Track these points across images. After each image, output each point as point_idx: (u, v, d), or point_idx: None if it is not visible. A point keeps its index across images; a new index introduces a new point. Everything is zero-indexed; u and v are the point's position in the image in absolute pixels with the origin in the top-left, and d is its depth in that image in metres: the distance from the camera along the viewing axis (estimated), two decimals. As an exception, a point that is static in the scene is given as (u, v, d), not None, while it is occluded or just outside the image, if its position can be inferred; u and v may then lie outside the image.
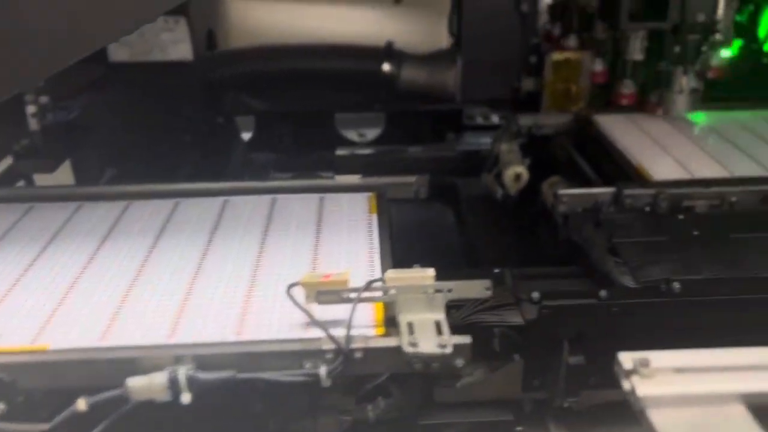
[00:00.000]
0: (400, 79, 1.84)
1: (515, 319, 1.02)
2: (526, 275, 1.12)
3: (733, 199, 1.28)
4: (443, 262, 1.02)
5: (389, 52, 1.84)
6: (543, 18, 1.86)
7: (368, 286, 0.86)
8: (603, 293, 1.04)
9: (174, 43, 1.63)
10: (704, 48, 1.60)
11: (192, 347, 0.84)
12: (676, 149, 1.48)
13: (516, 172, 1.47)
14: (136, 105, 1.63)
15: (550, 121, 1.64)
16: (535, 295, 1.04)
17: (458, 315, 0.99)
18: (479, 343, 0.91)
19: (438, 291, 0.87)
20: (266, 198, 1.21)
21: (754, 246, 1.16)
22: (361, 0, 2.05)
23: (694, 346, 0.92)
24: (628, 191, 1.28)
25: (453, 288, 0.88)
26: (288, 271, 0.99)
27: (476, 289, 0.88)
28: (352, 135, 2.12)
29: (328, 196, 1.22)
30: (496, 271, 1.09)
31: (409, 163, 1.99)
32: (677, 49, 1.59)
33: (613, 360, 0.91)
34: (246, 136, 2.15)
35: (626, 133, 1.57)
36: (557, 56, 1.69)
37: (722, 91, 1.78)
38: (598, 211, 1.26)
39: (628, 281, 1.07)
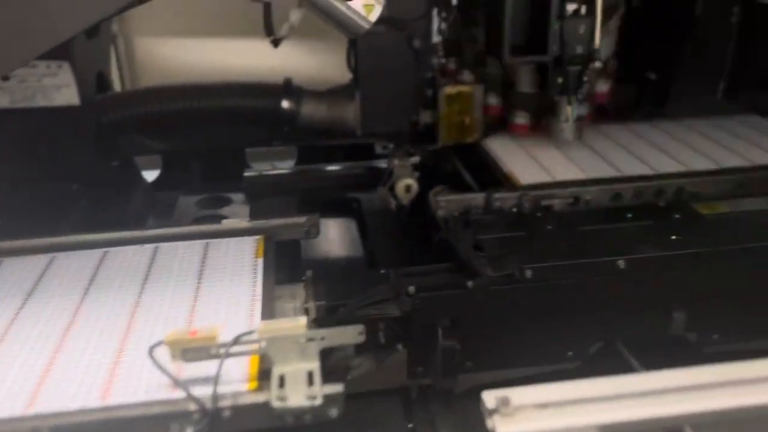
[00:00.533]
0: (301, 115, 1.84)
1: (394, 311, 1.18)
2: (407, 273, 1.25)
3: (588, 197, 1.46)
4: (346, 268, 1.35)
5: (288, 88, 1.83)
6: (440, 52, 1.92)
7: (237, 341, 0.84)
8: (469, 283, 1.21)
9: (58, 88, 1.58)
10: (586, 78, 1.67)
11: (51, 417, 0.80)
12: (545, 159, 1.63)
13: (406, 184, 1.60)
14: (18, 154, 1.57)
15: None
16: (411, 288, 1.20)
17: (345, 311, 1.15)
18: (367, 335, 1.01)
19: (311, 340, 0.86)
20: (149, 247, 1.17)
21: (599, 236, 1.37)
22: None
23: (547, 323, 1.25)
24: (496, 195, 1.44)
25: (326, 335, 0.87)
26: (163, 326, 0.96)
27: (349, 334, 0.88)
28: (264, 168, 2.13)
29: (214, 242, 1.19)
30: (382, 271, 1.26)
31: (318, 181, 2.10)
32: (560, 80, 1.65)
33: (484, 342, 1.23)
34: (154, 174, 2.11)
35: (503, 146, 1.72)
36: (450, 90, 1.73)
37: (609, 116, 1.89)
38: (468, 213, 1.43)
39: (488, 271, 1.22)
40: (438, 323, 1.22)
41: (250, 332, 0.85)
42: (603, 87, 1.81)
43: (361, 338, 0.89)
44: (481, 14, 1.69)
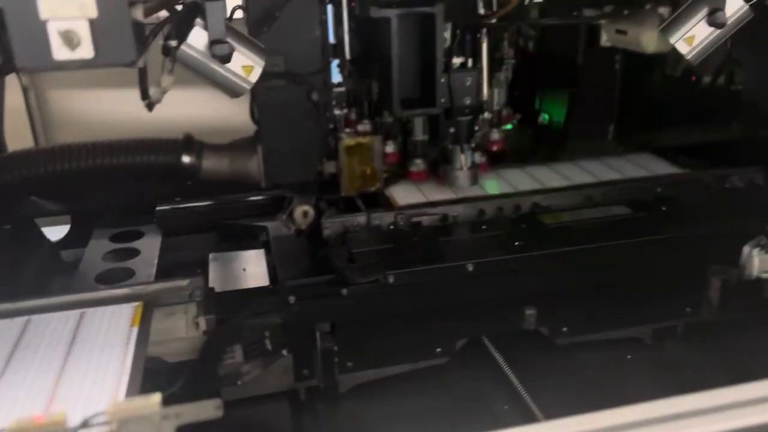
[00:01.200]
0: (203, 169, 1.83)
1: (275, 319, 1.38)
2: (290, 286, 1.45)
3: (455, 214, 1.65)
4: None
5: (188, 143, 1.83)
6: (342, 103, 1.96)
7: (85, 424, 0.82)
8: (344, 291, 1.42)
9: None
10: (476, 127, 1.73)
11: None
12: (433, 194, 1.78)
13: (303, 210, 1.70)
14: None
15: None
16: (291, 298, 1.40)
17: (233, 322, 1.34)
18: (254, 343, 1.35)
19: (165, 418, 0.85)
20: (19, 321, 1.14)
21: (455, 246, 1.60)
22: (185, 83, 2.03)
23: (416, 323, 1.48)
24: (374, 215, 1.63)
25: (181, 412, 0.86)
26: (21, 407, 0.93)
27: (207, 409, 0.87)
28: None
29: (90, 311, 1.17)
30: (270, 286, 1.50)
31: (231, 212, 2.13)
32: (452, 130, 1.71)
33: (362, 344, 1.46)
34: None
35: (402, 190, 1.82)
36: (348, 141, 1.76)
37: (508, 161, 1.96)
38: (347, 232, 1.61)
39: (357, 279, 1.43)
40: (317, 328, 1.43)
41: (100, 414, 0.84)
42: (496, 135, 1.88)
43: (219, 413, 0.88)
44: (373, 67, 1.73)
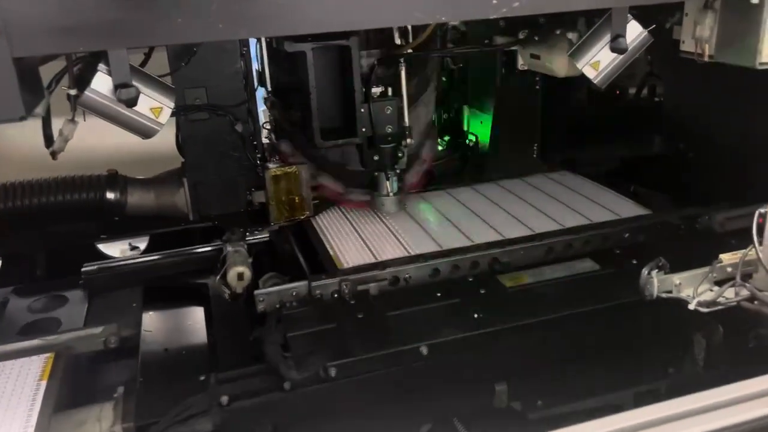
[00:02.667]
0: (129, 205, 1.82)
1: (205, 427, 1.11)
2: (223, 380, 1.20)
3: (407, 275, 1.47)
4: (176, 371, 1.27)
5: (112, 179, 1.81)
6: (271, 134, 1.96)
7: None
8: (286, 385, 1.18)
9: None
10: (400, 154, 1.76)
11: None
12: (370, 235, 1.69)
13: (238, 272, 1.51)
14: None
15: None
16: (224, 399, 1.15)
17: (158, 428, 1.09)
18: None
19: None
20: None
21: (405, 321, 1.36)
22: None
23: (372, 413, 1.21)
24: (315, 284, 1.41)
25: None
26: None
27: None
28: (116, 251, 2.05)
29: (-2, 365, 1.14)
30: (202, 378, 1.20)
31: (164, 268, 1.91)
32: (376, 158, 1.73)
33: None
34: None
35: (332, 223, 1.78)
36: (274, 171, 1.77)
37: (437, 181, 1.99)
38: (282, 307, 1.40)
39: (293, 374, 1.19)
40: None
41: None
42: (427, 153, 1.91)
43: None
44: (295, 98, 1.75)
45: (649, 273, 1.17)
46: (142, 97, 1.24)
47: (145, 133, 1.30)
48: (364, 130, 1.65)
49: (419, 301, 1.41)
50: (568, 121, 2.18)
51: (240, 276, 1.51)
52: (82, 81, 1.20)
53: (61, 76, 1.21)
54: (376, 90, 1.66)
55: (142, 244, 2.10)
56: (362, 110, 1.63)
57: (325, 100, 1.64)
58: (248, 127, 1.79)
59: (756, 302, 1.11)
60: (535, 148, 2.08)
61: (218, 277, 1.55)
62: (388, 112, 1.67)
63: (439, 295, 1.43)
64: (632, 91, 2.44)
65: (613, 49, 1.44)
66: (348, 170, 1.84)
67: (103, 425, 1.10)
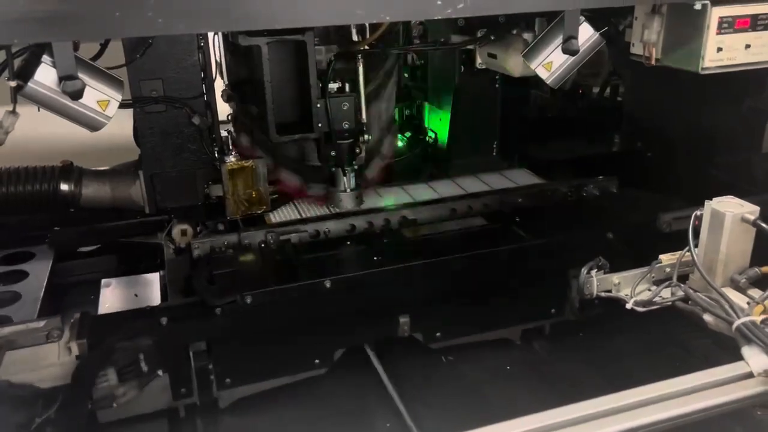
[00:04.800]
0: (84, 197, 1.80)
1: (146, 341, 1.40)
2: (164, 307, 1.48)
3: (326, 229, 1.67)
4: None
5: (66, 170, 1.79)
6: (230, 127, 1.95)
7: None
8: (217, 311, 1.43)
9: None
10: (358, 150, 1.76)
11: None
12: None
13: (181, 228, 1.70)
14: None
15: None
16: (163, 320, 1.42)
17: (105, 345, 1.34)
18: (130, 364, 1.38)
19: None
20: None
21: (318, 263, 1.61)
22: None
23: (291, 336, 1.51)
24: (245, 233, 1.64)
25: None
26: None
27: None
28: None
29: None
30: (148, 307, 1.49)
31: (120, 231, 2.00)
32: (333, 153, 1.73)
33: (239, 360, 1.49)
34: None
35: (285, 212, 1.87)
36: (231, 165, 1.76)
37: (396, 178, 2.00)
38: (214, 252, 1.62)
39: (215, 301, 1.44)
40: (191, 348, 1.45)
41: None
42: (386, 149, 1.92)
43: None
44: (251, 92, 1.74)
45: (588, 272, 1.19)
46: (88, 90, 1.23)
47: (93, 126, 1.29)
48: (320, 125, 1.65)
49: (332, 248, 1.67)
50: (529, 120, 2.20)
51: (183, 232, 1.69)
52: (26, 72, 1.18)
53: (4, 67, 1.19)
54: (333, 86, 1.66)
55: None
56: (318, 105, 1.63)
57: (281, 94, 1.64)
58: (206, 119, 1.77)
59: (690, 302, 1.14)
60: (494, 146, 2.09)
61: (165, 234, 1.73)
62: (345, 108, 1.67)
63: (348, 243, 1.68)
64: (595, 90, 2.48)
65: (565, 51, 1.46)
66: (306, 165, 1.84)
67: (61, 341, 1.30)
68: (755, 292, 1.12)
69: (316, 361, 1.58)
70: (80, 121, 1.27)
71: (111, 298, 1.88)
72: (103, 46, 1.52)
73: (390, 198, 1.89)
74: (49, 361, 1.31)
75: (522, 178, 2.04)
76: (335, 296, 1.51)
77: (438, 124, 2.06)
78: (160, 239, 1.79)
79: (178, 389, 1.49)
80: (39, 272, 1.82)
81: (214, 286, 1.50)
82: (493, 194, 1.84)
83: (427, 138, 2.09)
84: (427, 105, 2.09)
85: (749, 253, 1.14)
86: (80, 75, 1.19)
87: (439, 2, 1.07)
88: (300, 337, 1.55)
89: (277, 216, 1.80)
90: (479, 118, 2.02)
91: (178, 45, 1.70)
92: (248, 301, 1.45)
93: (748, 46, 1.30)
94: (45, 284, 1.75)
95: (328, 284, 1.50)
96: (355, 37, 1.65)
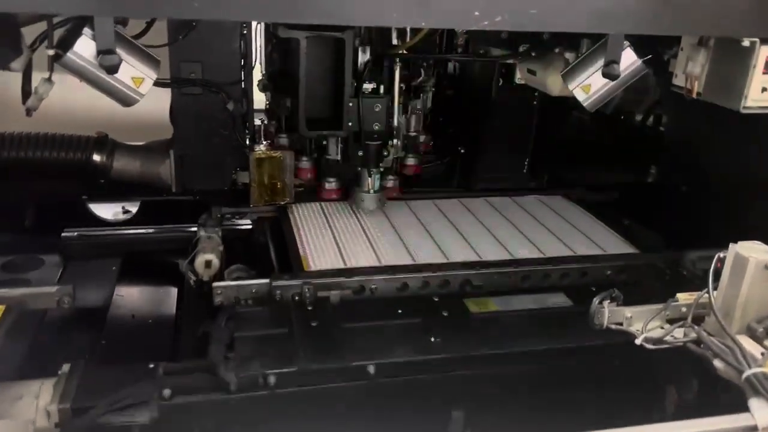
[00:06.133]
0: (114, 169, 1.83)
1: (143, 418, 1.08)
2: (169, 371, 1.17)
3: (373, 287, 1.40)
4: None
5: (101, 142, 1.83)
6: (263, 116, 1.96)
7: None
8: (232, 387, 1.13)
9: None
10: (386, 152, 1.76)
11: None
12: (343, 234, 1.66)
13: (206, 259, 1.48)
14: None
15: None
16: (166, 392, 1.12)
17: (88, 418, 1.05)
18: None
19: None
20: None
21: (359, 336, 1.30)
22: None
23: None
24: (277, 283, 1.34)
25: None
26: None
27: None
28: (107, 213, 2.07)
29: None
30: (151, 365, 1.17)
31: (141, 243, 2.00)
32: (360, 153, 1.73)
33: None
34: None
35: (307, 216, 1.76)
36: (258, 154, 1.77)
37: (425, 185, 1.99)
38: (238, 304, 1.34)
39: (231, 377, 1.15)
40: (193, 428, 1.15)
41: None
42: (412, 161, 1.91)
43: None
44: (287, 85, 1.75)
45: (600, 302, 1.16)
46: (125, 66, 1.25)
47: (126, 101, 1.31)
48: (350, 124, 1.65)
49: (378, 315, 1.36)
50: (564, 141, 2.16)
51: (208, 264, 1.49)
52: (66, 43, 1.21)
53: (43, 38, 1.22)
54: (368, 86, 1.66)
55: (134, 208, 2.13)
56: (350, 104, 1.63)
57: (315, 90, 1.64)
58: (240, 107, 1.79)
59: (702, 346, 1.10)
60: (525, 163, 2.06)
61: (187, 262, 1.53)
62: (377, 109, 1.67)
63: (400, 311, 1.38)
64: (638, 117, 2.43)
65: (605, 75, 1.43)
66: (326, 160, 1.84)
67: (40, 403, 1.08)
68: (772, 343, 1.07)
69: None
70: (114, 95, 1.29)
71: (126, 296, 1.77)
72: (149, 24, 1.55)
73: (416, 209, 1.83)
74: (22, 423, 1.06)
75: (557, 204, 1.98)
76: (376, 383, 1.21)
77: (469, 135, 2.04)
78: (181, 267, 1.61)
79: None
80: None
81: (232, 356, 1.21)
82: (575, 262, 1.55)
83: (458, 148, 2.07)
84: (461, 116, 2.07)
85: (770, 302, 1.10)
86: (118, 50, 1.21)
87: (477, 13, 1.06)
88: (335, 427, 1.23)
89: (311, 246, 1.59)
90: (512, 133, 2.00)
91: (220, 31, 1.72)
92: (271, 381, 1.16)
93: (793, 89, 1.26)
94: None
95: (372, 369, 1.21)
96: (394, 41, 1.65)
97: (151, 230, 2.05)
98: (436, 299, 1.43)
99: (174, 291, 1.80)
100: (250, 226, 1.84)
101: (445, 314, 1.39)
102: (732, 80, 1.28)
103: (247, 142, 1.83)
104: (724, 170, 2.06)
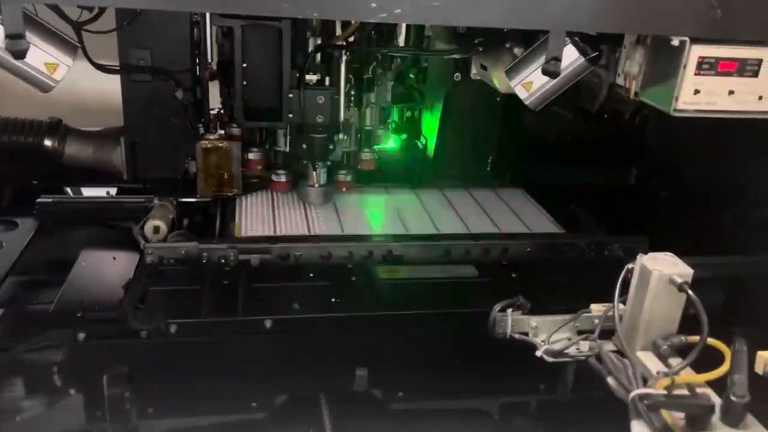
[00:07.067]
0: (65, 155, 1.83)
1: (56, 357, 1.27)
2: (93, 318, 1.35)
3: (298, 253, 1.50)
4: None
5: (53, 127, 1.83)
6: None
7: None
8: (143, 333, 1.30)
9: None
10: (331, 146, 1.72)
11: None
12: (286, 217, 1.69)
13: (154, 225, 1.56)
14: None
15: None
16: (80, 335, 1.30)
17: (11, 354, 1.23)
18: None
19: None
20: None
21: (266, 294, 1.44)
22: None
23: (226, 374, 1.31)
24: (204, 246, 1.47)
25: None
26: None
27: None
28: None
29: None
30: (79, 314, 1.35)
31: (117, 211, 1.99)
32: (304, 146, 1.70)
33: (165, 391, 1.28)
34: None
35: (256, 203, 1.78)
36: (205, 144, 1.75)
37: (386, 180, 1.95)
38: (161, 263, 1.46)
39: (136, 324, 1.30)
40: (107, 370, 1.30)
41: None
42: (367, 155, 1.87)
43: None
44: (232, 74, 1.72)
45: (502, 310, 1.11)
46: (36, 51, 1.24)
47: (41, 87, 1.30)
48: (291, 116, 1.62)
49: (290, 279, 1.50)
50: (536, 139, 2.10)
51: (156, 229, 1.57)
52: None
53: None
54: (312, 77, 1.63)
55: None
56: (290, 95, 1.59)
57: (256, 79, 1.61)
58: (189, 95, 1.77)
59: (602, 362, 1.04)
60: (489, 160, 2.00)
61: (138, 227, 1.61)
62: (321, 101, 1.63)
63: (311, 275, 1.52)
64: (626, 117, 2.34)
65: (545, 72, 1.37)
66: (275, 151, 1.81)
67: None
68: (676, 361, 1.01)
69: (253, 404, 1.36)
70: (28, 80, 1.28)
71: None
72: (101, 11, 1.54)
73: (370, 199, 1.83)
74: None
75: (517, 198, 1.94)
76: (277, 338, 1.36)
77: (431, 129, 1.98)
78: (133, 231, 1.65)
79: (92, 411, 1.30)
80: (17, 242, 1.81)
81: (142, 306, 1.38)
82: (496, 238, 1.62)
83: (418, 143, 2.02)
84: (424, 109, 2.01)
85: (677, 319, 1.04)
86: (30, 36, 1.20)
87: (373, 4, 1.01)
88: (236, 376, 1.37)
89: (250, 220, 1.66)
90: (472, 129, 1.93)
91: (170, 18, 1.70)
92: (172, 330, 1.32)
93: (731, 92, 1.18)
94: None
95: (268, 324, 1.36)
96: (339, 32, 1.60)
97: (124, 199, 2.04)
98: (350, 266, 1.54)
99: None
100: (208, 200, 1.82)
101: (353, 279, 1.53)
102: (664, 81, 1.21)
103: (202, 131, 1.81)
104: (704, 176, 1.98)
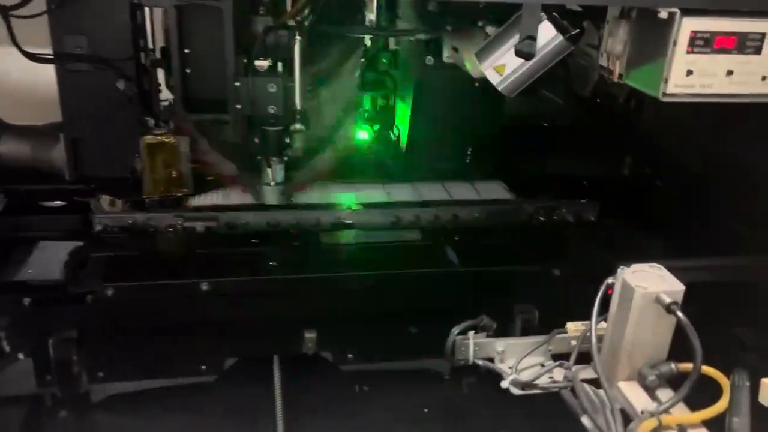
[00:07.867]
0: (1, 154, 1.68)
1: (3, 322, 1.29)
2: (34, 285, 1.36)
3: (244, 221, 1.55)
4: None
5: (-15, 124, 1.67)
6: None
7: None
8: (88, 298, 1.31)
9: None
10: (287, 140, 1.56)
11: None
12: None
13: (110, 199, 1.63)
14: None
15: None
16: (26, 300, 1.30)
17: None
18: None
19: None
20: None
21: (208, 259, 1.44)
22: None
23: (175, 336, 1.35)
24: (151, 215, 1.53)
25: None
26: None
27: None
28: None
29: None
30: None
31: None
32: (256, 140, 1.54)
33: (114, 354, 1.35)
34: None
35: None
36: (149, 139, 1.59)
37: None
38: (107, 230, 1.51)
39: (72, 288, 1.33)
40: (56, 334, 1.31)
41: None
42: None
43: None
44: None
45: (463, 333, 0.95)
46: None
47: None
48: (238, 107, 1.45)
49: (233, 245, 1.50)
50: (519, 127, 1.93)
51: (112, 203, 1.62)
52: None
53: None
54: (262, 63, 1.46)
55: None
56: (236, 84, 1.43)
57: (198, 67, 1.44)
58: (132, 85, 1.60)
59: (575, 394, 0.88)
60: (468, 152, 1.84)
61: (95, 200, 1.62)
62: (272, 90, 1.46)
63: (254, 240, 1.51)
64: (620, 101, 2.17)
65: (518, 53, 1.20)
66: (221, 142, 1.67)
67: None
68: (666, 394, 0.85)
69: (203, 367, 1.41)
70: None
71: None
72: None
73: (336, 197, 1.70)
74: None
75: (494, 192, 1.79)
76: (214, 301, 1.35)
77: (404, 120, 1.81)
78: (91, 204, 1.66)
79: (42, 376, 1.35)
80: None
81: (81, 271, 1.39)
82: (444, 205, 1.65)
83: (392, 134, 1.85)
84: (398, 98, 1.84)
85: (666, 343, 0.87)
86: None
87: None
88: (184, 339, 1.40)
89: (203, 200, 1.65)
90: (448, 118, 1.76)
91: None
92: (109, 293, 1.32)
93: (730, 73, 1.00)
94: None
95: (204, 286, 1.34)
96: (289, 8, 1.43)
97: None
98: (294, 233, 1.55)
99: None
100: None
101: (296, 244, 1.53)
102: (652, 61, 1.04)
103: (152, 125, 1.65)
104: (702, 165, 1.83)
